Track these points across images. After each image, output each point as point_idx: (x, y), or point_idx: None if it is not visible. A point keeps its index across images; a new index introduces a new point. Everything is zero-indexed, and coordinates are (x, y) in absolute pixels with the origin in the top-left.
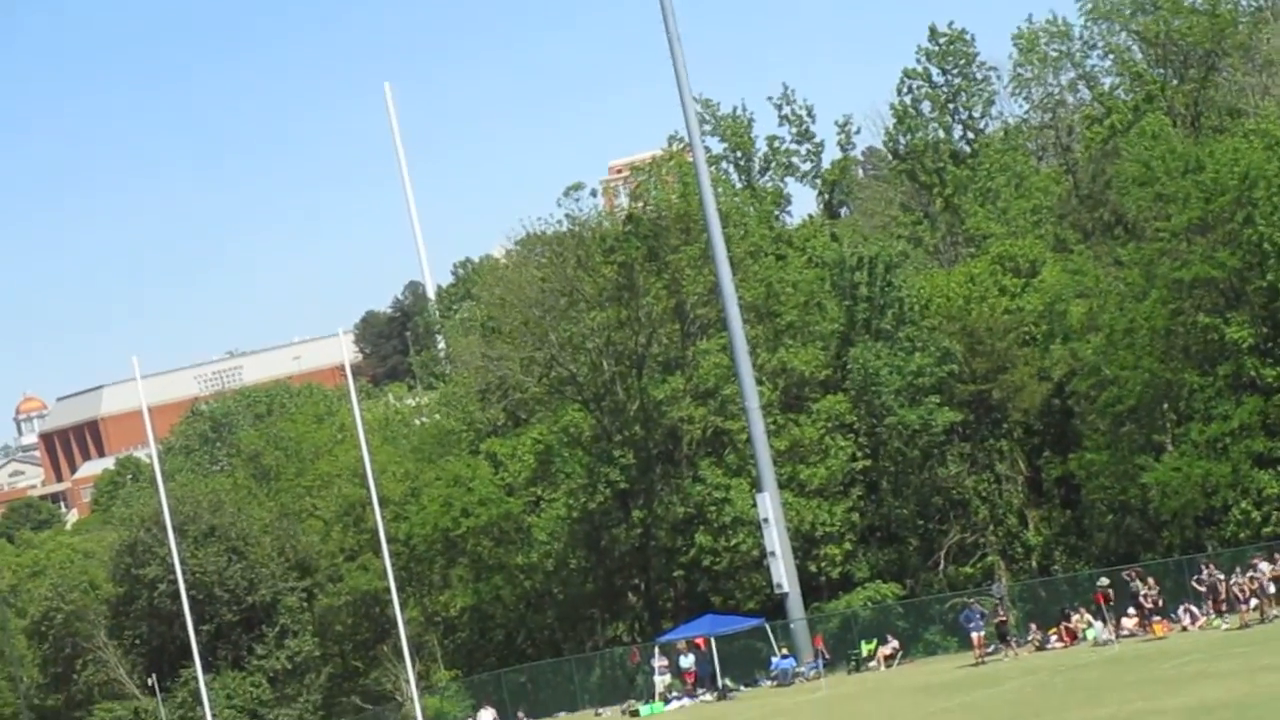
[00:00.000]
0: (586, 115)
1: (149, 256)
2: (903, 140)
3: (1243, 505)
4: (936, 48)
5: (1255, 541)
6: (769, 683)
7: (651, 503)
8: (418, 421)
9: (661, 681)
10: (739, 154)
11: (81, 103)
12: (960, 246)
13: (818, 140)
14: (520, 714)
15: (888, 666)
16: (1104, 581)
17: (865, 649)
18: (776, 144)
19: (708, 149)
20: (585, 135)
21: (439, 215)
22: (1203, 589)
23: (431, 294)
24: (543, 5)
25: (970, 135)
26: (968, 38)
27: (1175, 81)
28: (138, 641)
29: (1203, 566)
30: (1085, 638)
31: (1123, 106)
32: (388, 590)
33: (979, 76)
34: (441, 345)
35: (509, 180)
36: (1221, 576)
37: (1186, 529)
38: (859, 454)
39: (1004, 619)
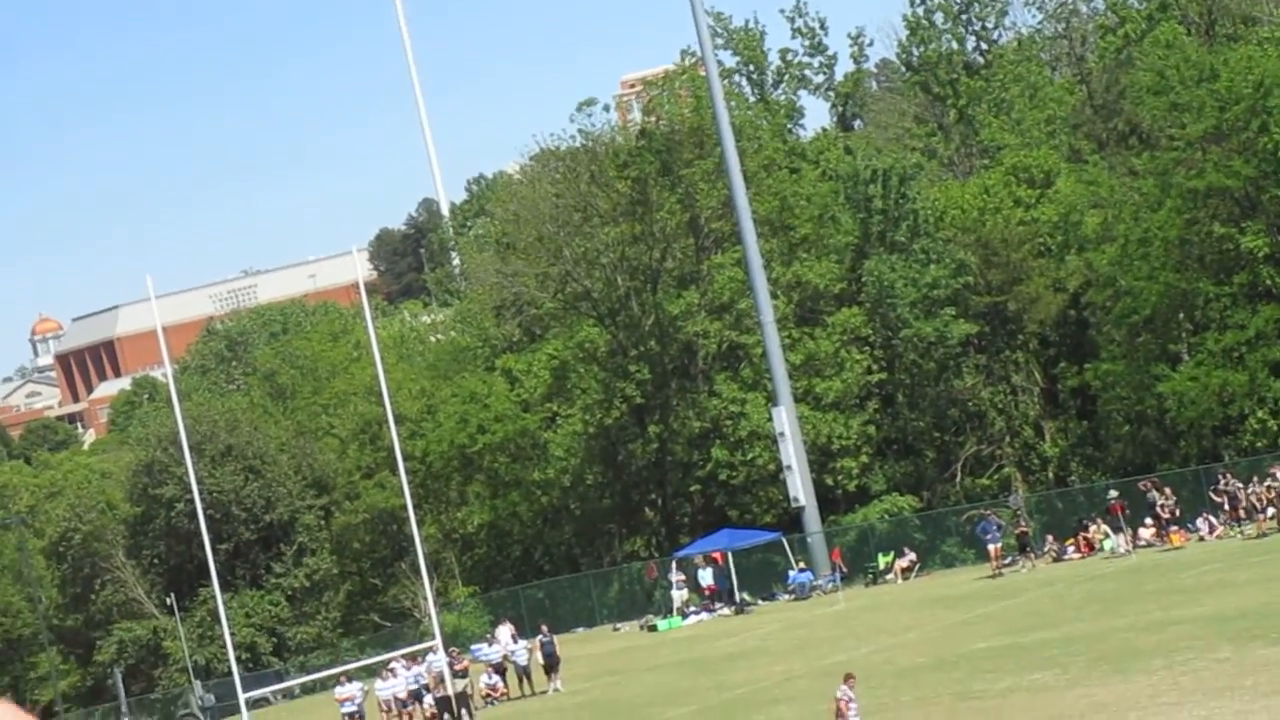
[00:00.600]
0: (599, 30)
1: (163, 176)
2: (916, 52)
3: (1259, 414)
4: None
5: (1273, 450)
6: (786, 596)
7: (667, 418)
8: (433, 339)
9: (679, 596)
10: (752, 67)
11: (94, 22)
12: (974, 158)
13: (831, 53)
14: (543, 627)
15: (905, 579)
16: (1115, 494)
17: (882, 561)
18: (789, 57)
19: (720, 63)
20: (598, 50)
21: (453, 132)
22: (1220, 499)
23: (446, 211)
24: None
25: (984, 46)
26: None
27: None
28: (156, 561)
29: (1220, 476)
30: (1102, 548)
31: (1136, 15)
32: (405, 508)
33: None
34: (456, 262)
35: (522, 96)
36: (1239, 485)
37: (1203, 439)
38: (874, 367)
39: (1023, 530)
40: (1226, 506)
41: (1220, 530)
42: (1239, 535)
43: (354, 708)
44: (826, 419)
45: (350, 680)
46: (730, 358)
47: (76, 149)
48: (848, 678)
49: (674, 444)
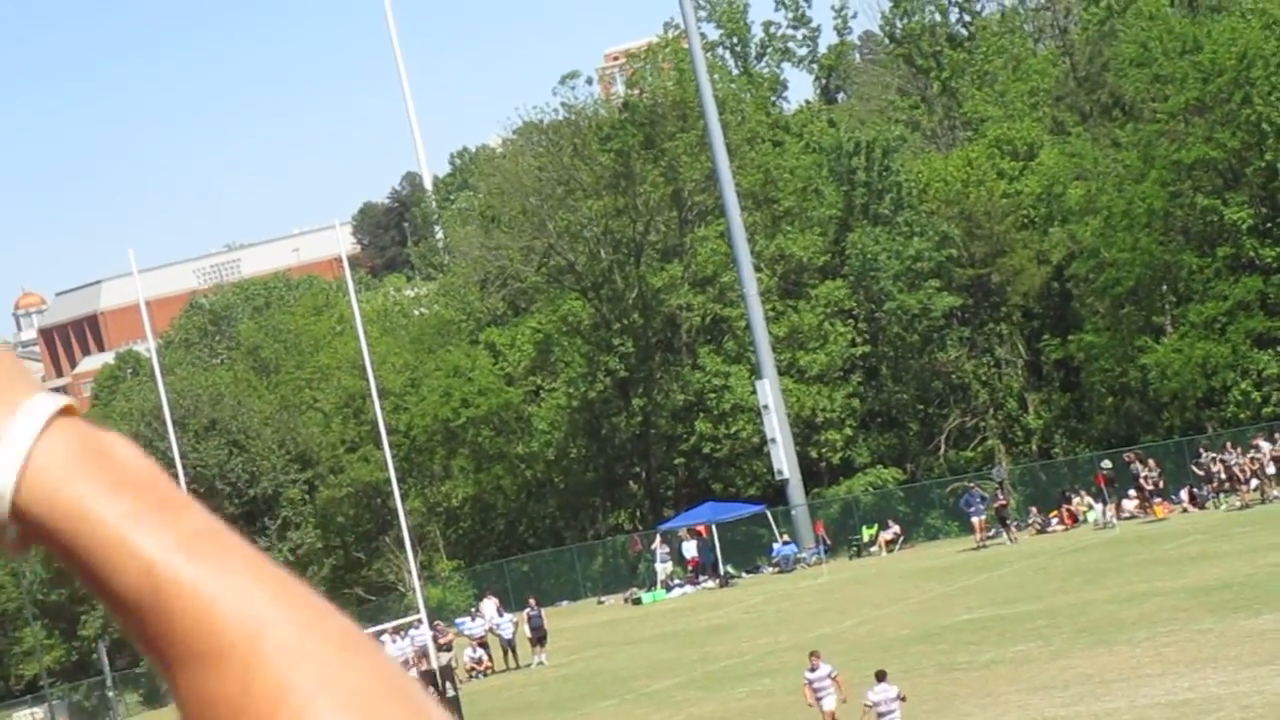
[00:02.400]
0: (582, 2)
1: (145, 150)
2: (899, 24)
3: (1242, 385)
4: None
5: (1256, 422)
6: (770, 569)
7: (651, 391)
8: (417, 312)
9: (663, 569)
10: (735, 40)
11: None
12: (958, 130)
13: (814, 25)
14: (531, 600)
15: (889, 551)
16: (1105, 464)
17: (866, 534)
18: (773, 29)
19: (704, 35)
20: (581, 23)
21: (435, 105)
22: (1202, 471)
23: (429, 184)
24: None
25: (967, 18)
26: None
27: None
28: None
29: (1202, 449)
30: (1086, 520)
31: None
32: (389, 482)
33: None
34: (440, 235)
35: (505, 69)
36: (1214, 456)
37: (1187, 410)
38: (858, 339)
39: (1004, 502)
40: (1221, 478)
41: (1204, 502)
42: (1222, 507)
43: None
44: (810, 392)
45: None
46: (714, 331)
47: (57, 122)
48: (812, 656)
49: (658, 417)
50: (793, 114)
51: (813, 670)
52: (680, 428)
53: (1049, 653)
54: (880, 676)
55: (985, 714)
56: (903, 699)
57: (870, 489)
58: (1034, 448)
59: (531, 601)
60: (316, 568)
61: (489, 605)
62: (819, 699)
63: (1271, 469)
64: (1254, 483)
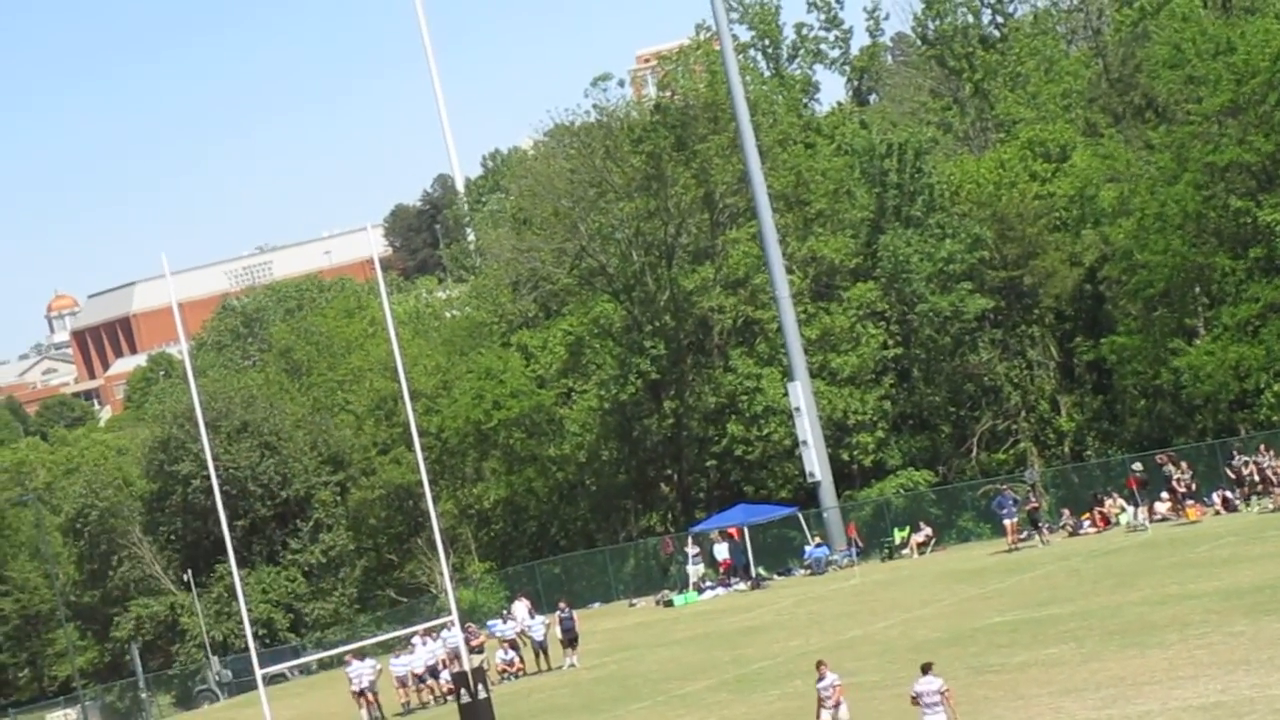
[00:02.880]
0: (614, 5)
1: (178, 152)
2: (931, 25)
3: (1276, 388)
4: None
5: None
6: (802, 571)
7: (683, 393)
8: (448, 314)
9: (695, 571)
10: (767, 42)
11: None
12: (990, 132)
13: (846, 27)
14: (562, 603)
15: (921, 554)
16: (1137, 466)
17: (898, 536)
18: (805, 31)
19: (735, 37)
20: (612, 25)
21: (467, 108)
22: (1235, 474)
23: (460, 187)
24: None
25: (999, 19)
26: None
27: None
28: (173, 538)
29: (1235, 452)
30: (1118, 522)
31: None
32: (420, 484)
33: None
34: (471, 238)
35: (537, 72)
36: (1246, 460)
37: (1219, 413)
38: (890, 341)
39: (1036, 505)
40: (1254, 480)
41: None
42: (1254, 509)
43: (365, 684)
44: (842, 394)
45: (363, 658)
46: (746, 333)
47: (90, 125)
48: (819, 665)
49: (689, 419)
50: (825, 116)
51: (821, 680)
52: (712, 430)
53: (1081, 655)
54: (925, 669)
55: (1017, 716)
56: (945, 693)
57: (902, 491)
58: (1066, 450)
59: (562, 604)
60: (349, 569)
61: (520, 607)
62: (832, 706)
63: None
64: None
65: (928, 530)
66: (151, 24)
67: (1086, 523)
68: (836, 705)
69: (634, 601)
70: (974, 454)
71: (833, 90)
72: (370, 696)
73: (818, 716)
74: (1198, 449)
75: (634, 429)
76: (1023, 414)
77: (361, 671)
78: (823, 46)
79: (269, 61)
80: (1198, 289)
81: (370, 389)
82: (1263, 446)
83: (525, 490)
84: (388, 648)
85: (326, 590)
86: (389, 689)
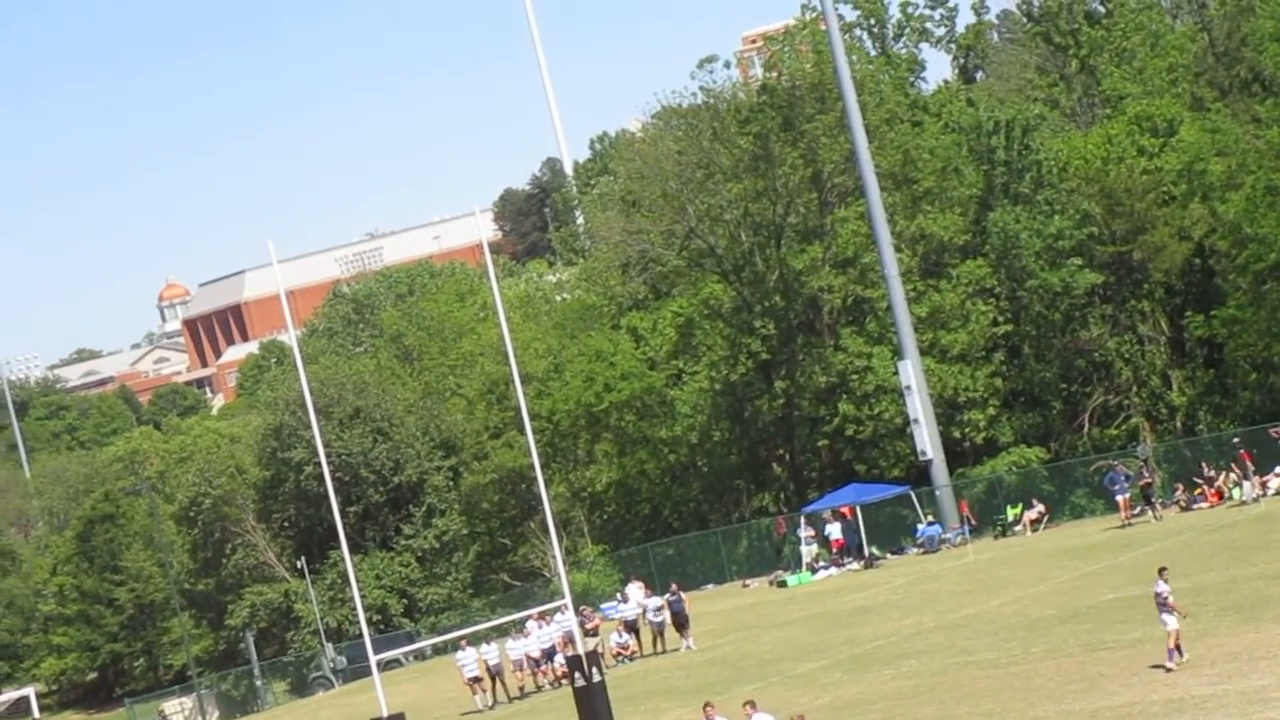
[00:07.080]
0: None
1: (288, 141)
2: (1036, 2)
3: None
4: None
5: None
6: (915, 550)
7: (794, 373)
8: (559, 298)
9: (808, 551)
10: (872, 21)
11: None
12: (1097, 108)
13: (951, 5)
14: (673, 586)
15: (1034, 531)
16: (1236, 440)
17: (1011, 513)
18: (910, 10)
19: (841, 17)
20: (718, 7)
21: (575, 91)
22: None
23: (569, 170)
24: None
25: None
26: None
27: None
28: (286, 524)
29: None
30: (1231, 497)
31: None
32: (532, 467)
33: None
34: (580, 220)
35: (643, 55)
36: None
37: None
38: (1000, 318)
39: (1147, 481)
40: None
41: None
42: None
43: (474, 671)
44: (953, 371)
45: (473, 644)
46: (855, 312)
47: (201, 116)
48: (746, 705)
49: (800, 399)
50: (931, 94)
51: None
52: (823, 409)
53: (1196, 630)
54: (1161, 572)
55: (1131, 693)
56: (1168, 600)
57: (1014, 468)
58: (1178, 425)
59: (673, 587)
60: (462, 554)
61: (634, 589)
62: None
63: None
64: None
65: (1040, 507)
66: (264, 15)
67: (1199, 497)
68: None
69: (747, 582)
70: (1085, 430)
71: (939, 68)
72: (494, 680)
73: None
74: None
75: (745, 409)
76: (1134, 389)
77: (470, 659)
78: (928, 25)
79: (379, 47)
80: None
81: (481, 373)
82: None
83: (637, 472)
84: (502, 632)
85: (440, 575)
86: (506, 672)
